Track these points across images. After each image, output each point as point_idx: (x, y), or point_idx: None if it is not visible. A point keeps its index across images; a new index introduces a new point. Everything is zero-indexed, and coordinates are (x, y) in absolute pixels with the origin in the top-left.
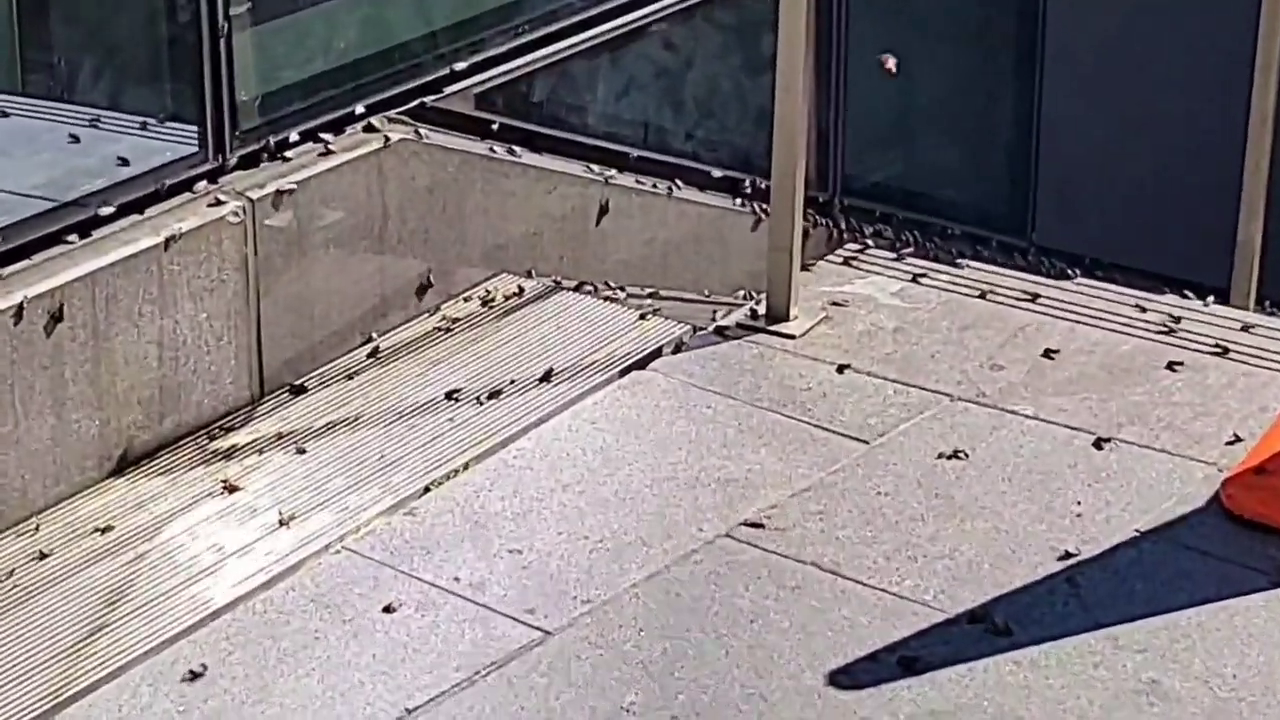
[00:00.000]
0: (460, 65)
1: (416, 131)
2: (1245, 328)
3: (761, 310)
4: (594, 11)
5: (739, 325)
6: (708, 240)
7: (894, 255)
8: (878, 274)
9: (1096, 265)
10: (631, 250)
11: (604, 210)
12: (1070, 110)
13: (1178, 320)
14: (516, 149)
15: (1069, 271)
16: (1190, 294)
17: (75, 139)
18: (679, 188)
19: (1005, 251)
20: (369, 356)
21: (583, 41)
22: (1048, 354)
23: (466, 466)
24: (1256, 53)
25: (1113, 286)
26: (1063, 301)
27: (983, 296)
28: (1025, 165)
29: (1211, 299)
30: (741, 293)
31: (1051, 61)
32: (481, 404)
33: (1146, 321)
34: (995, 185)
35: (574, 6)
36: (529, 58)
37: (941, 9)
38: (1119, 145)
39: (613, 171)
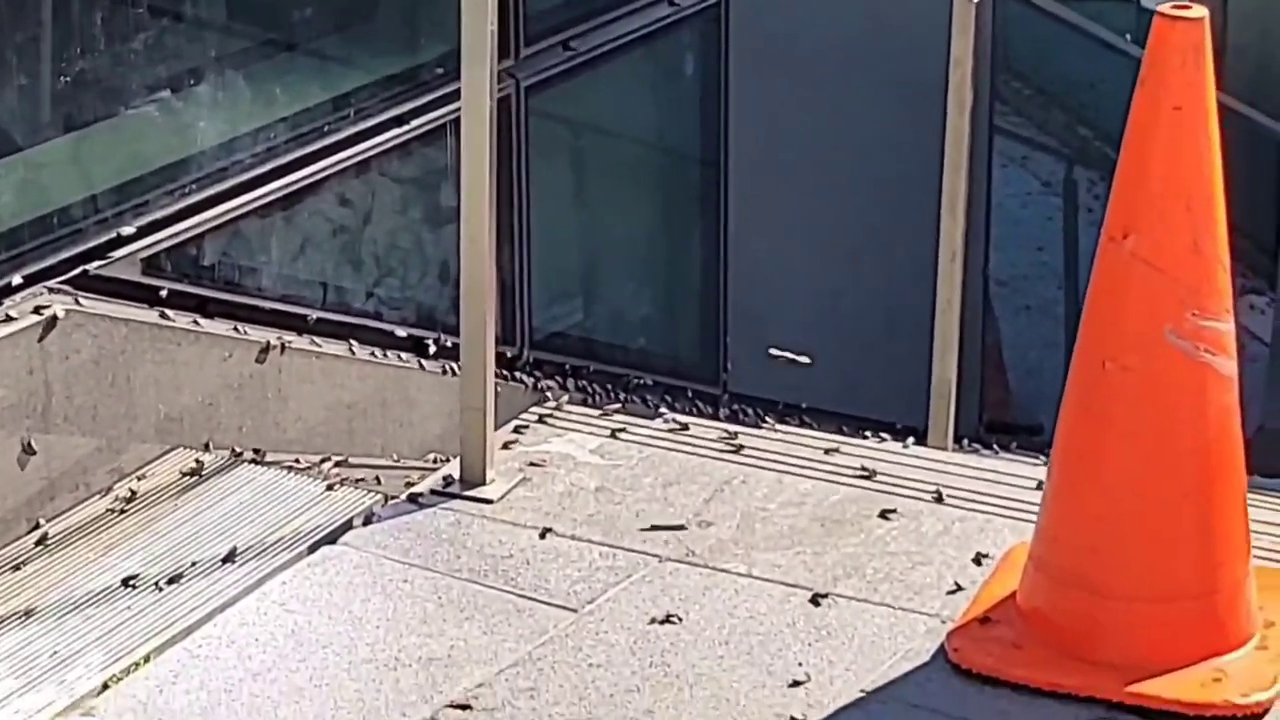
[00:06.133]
0: (127, 230)
1: (79, 301)
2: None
3: (456, 474)
4: (265, 168)
5: (433, 492)
6: (395, 402)
7: (592, 411)
8: (575, 431)
9: (790, 410)
10: (315, 416)
11: (283, 375)
12: (758, 254)
13: (872, 472)
14: (188, 315)
15: (764, 418)
16: (887, 436)
17: None
18: (362, 348)
19: (700, 400)
20: (37, 544)
21: (254, 200)
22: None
23: (148, 659)
24: (942, 188)
25: (815, 433)
26: (768, 452)
27: (684, 449)
28: (715, 312)
29: (911, 440)
30: (433, 455)
31: (736, 204)
32: (161, 590)
33: (854, 468)
34: (686, 333)
35: (244, 163)
36: (199, 218)
37: (624, 155)
38: (809, 288)
39: (291, 335)
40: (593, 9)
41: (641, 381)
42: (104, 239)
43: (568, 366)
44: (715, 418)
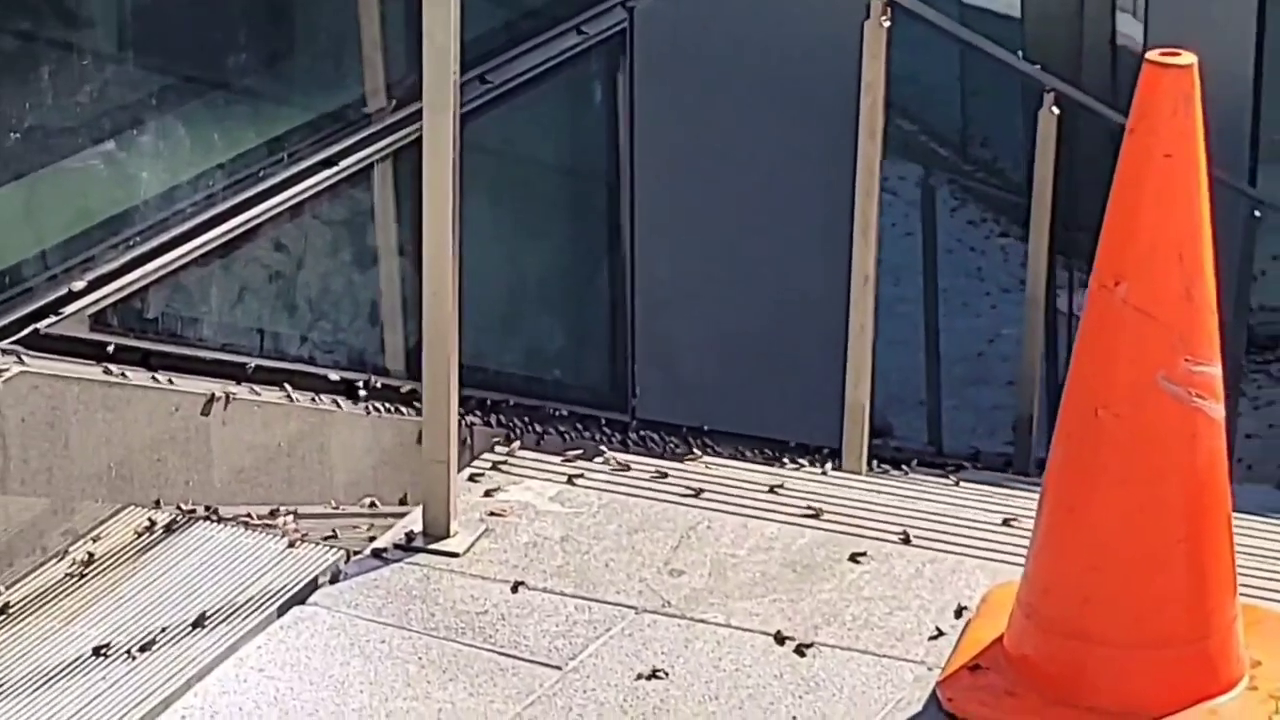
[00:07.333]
0: (77, 285)
1: (27, 361)
2: (1006, 521)
3: (418, 527)
4: (203, 217)
5: (397, 546)
6: (332, 448)
7: (545, 456)
8: (531, 478)
9: (694, 433)
10: (258, 466)
11: (227, 427)
12: (664, 278)
13: (819, 511)
14: (136, 370)
15: (669, 442)
16: (804, 460)
17: None
18: (299, 394)
19: (610, 427)
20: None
21: (194, 250)
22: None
23: None
24: (855, 213)
25: (754, 468)
26: (728, 495)
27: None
28: (624, 340)
29: (830, 465)
30: (368, 499)
31: (642, 231)
32: (134, 658)
33: (804, 508)
34: (596, 362)
35: (184, 213)
36: (143, 270)
37: (538, 185)
38: (717, 310)
39: (232, 385)
40: (508, 40)
41: (557, 412)
42: (55, 296)
43: (488, 401)
44: (625, 444)
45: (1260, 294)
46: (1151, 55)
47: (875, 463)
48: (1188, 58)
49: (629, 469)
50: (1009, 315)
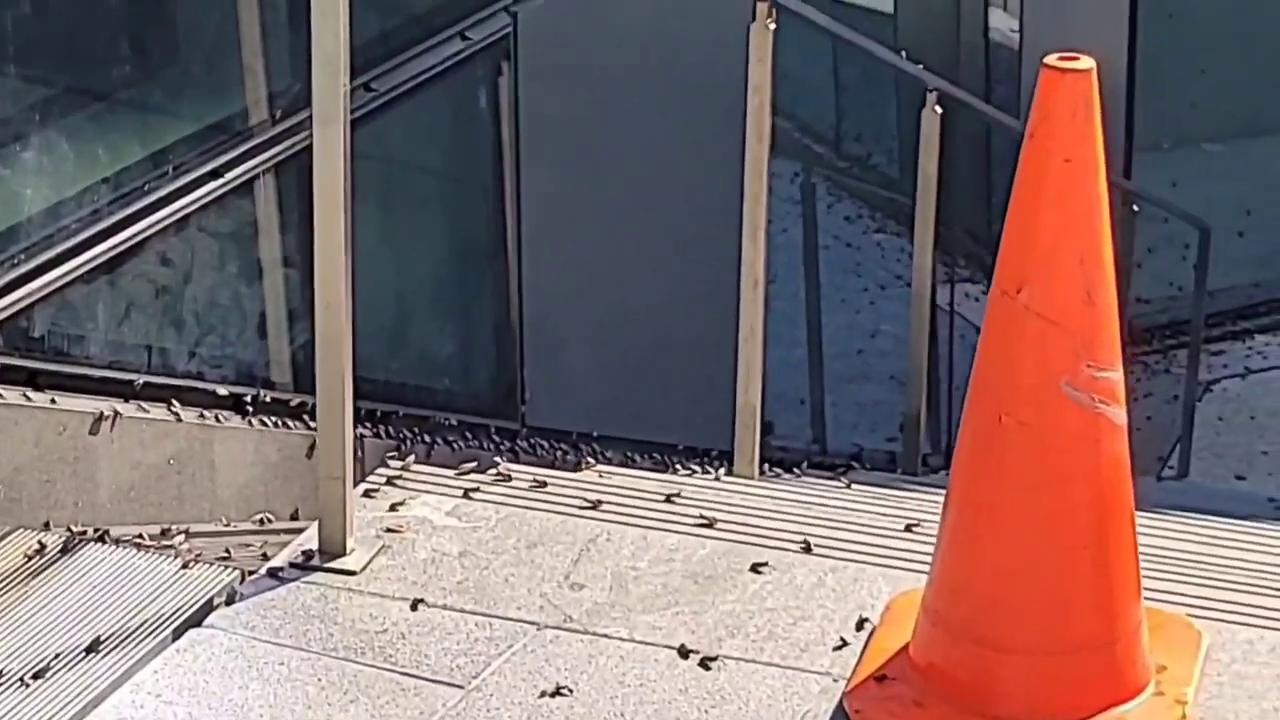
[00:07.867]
0: None
1: None
2: (909, 527)
3: (314, 545)
4: (90, 232)
5: (292, 565)
6: (221, 464)
7: (440, 470)
8: (427, 493)
9: (583, 439)
10: (147, 484)
11: (114, 444)
12: (554, 283)
13: (713, 521)
14: (22, 390)
15: (560, 448)
16: (695, 465)
17: None
18: (187, 410)
19: (500, 435)
20: None
21: (81, 265)
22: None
23: None
24: (743, 217)
25: (653, 476)
26: (625, 506)
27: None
28: (513, 347)
29: (722, 470)
30: (260, 516)
31: (529, 236)
32: (28, 686)
33: (701, 517)
34: (485, 370)
35: (69, 229)
36: (31, 287)
37: (424, 193)
38: (606, 315)
39: (119, 403)
40: (391, 49)
41: (446, 421)
42: None
43: (378, 412)
44: (515, 453)
45: (1135, 286)
46: (1050, 60)
47: (766, 465)
48: (1086, 61)
49: (516, 480)
50: (887, 311)
